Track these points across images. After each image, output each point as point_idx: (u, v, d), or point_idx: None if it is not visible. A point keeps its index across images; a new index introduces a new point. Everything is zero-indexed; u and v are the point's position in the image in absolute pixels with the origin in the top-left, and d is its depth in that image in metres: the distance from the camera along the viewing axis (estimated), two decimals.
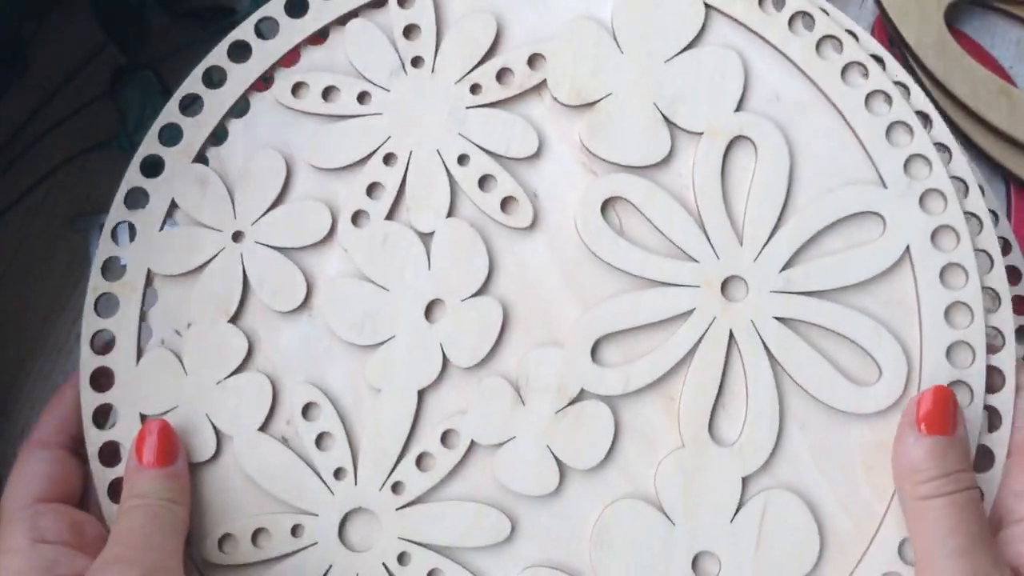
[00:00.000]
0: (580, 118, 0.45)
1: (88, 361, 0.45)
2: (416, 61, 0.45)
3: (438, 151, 0.45)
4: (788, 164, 0.43)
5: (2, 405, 0.56)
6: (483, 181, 0.45)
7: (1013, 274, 0.57)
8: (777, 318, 0.42)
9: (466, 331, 0.44)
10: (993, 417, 0.42)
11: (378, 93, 0.45)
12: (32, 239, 0.58)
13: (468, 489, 0.43)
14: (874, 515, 0.42)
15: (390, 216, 0.45)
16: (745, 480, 0.42)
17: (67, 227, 0.57)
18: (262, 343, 0.45)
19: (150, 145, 0.46)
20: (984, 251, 0.43)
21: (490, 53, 0.45)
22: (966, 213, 0.43)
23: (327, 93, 0.46)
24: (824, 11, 0.45)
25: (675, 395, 0.43)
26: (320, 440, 0.44)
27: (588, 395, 0.43)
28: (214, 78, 0.46)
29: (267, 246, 0.45)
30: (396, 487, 0.43)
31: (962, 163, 0.44)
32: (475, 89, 0.45)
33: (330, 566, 0.43)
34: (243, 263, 0.45)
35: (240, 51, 0.46)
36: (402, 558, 0.43)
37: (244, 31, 0.46)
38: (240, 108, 0.46)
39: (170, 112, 0.46)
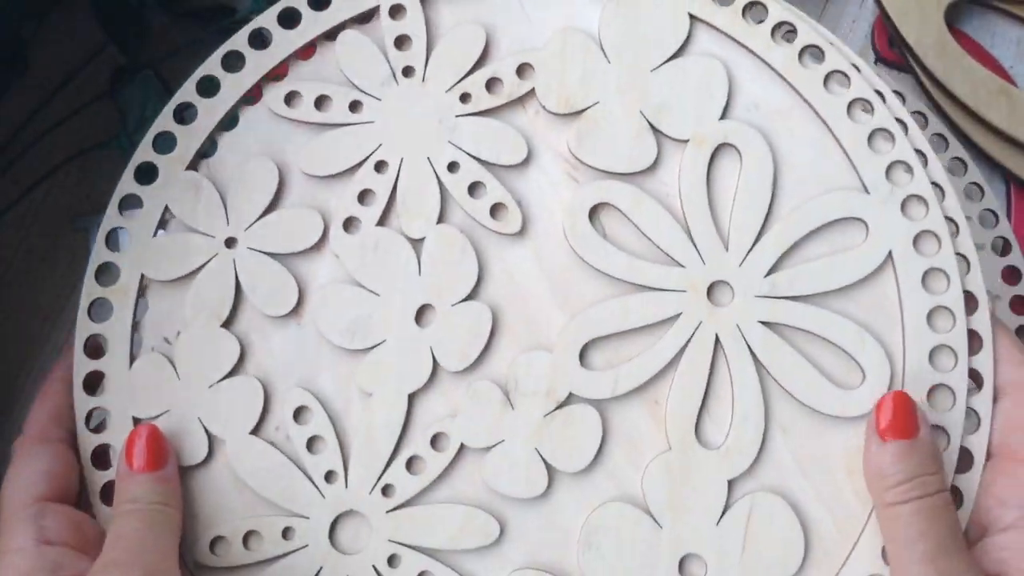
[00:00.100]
0: (568, 126, 0.45)
1: (81, 365, 0.45)
2: (407, 71, 0.46)
3: (428, 159, 0.45)
4: (772, 171, 0.44)
5: (2, 405, 0.56)
6: (473, 188, 0.45)
7: (1013, 274, 0.58)
8: (762, 322, 0.43)
9: (456, 336, 0.44)
10: (972, 418, 0.43)
11: (370, 102, 0.46)
12: (32, 239, 0.58)
13: (457, 492, 0.44)
14: (857, 518, 0.42)
15: (381, 222, 0.45)
16: (731, 483, 0.43)
17: (67, 227, 0.58)
18: (254, 347, 0.45)
19: (144, 152, 0.46)
20: (961, 255, 0.44)
21: (480, 63, 0.46)
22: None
23: (319, 102, 0.46)
24: (806, 22, 0.45)
25: (662, 399, 0.44)
26: (311, 443, 0.44)
27: (576, 399, 0.44)
28: (208, 87, 0.47)
29: (260, 252, 0.45)
30: (386, 490, 0.44)
31: (938, 169, 0.45)
32: (465, 98, 0.46)
33: (320, 568, 0.43)
34: (235, 268, 0.45)
35: (233, 61, 0.47)
36: (392, 560, 0.43)
37: (238, 42, 0.47)
38: (233, 118, 0.47)
39: (164, 120, 0.46)
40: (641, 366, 0.43)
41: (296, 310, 0.45)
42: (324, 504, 0.44)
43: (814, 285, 0.43)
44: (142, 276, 0.46)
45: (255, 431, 0.44)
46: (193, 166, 0.46)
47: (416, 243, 0.45)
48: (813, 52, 0.45)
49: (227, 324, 0.45)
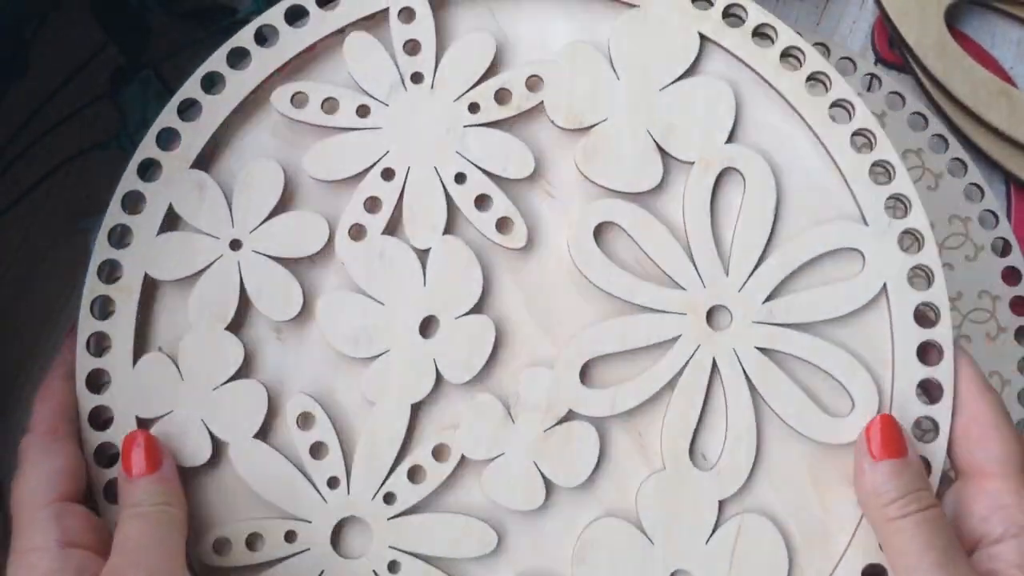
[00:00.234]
0: (576, 142, 0.46)
1: (84, 363, 0.45)
2: (416, 77, 0.46)
3: (436, 168, 0.46)
4: (775, 197, 0.45)
5: (2, 405, 0.56)
6: (480, 201, 0.46)
7: (1013, 274, 0.59)
8: (759, 348, 0.44)
9: (460, 348, 0.45)
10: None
11: (377, 107, 0.46)
12: (32, 239, 0.58)
13: (457, 502, 0.45)
14: (840, 542, 0.44)
15: (387, 231, 0.46)
16: (722, 503, 0.44)
17: (67, 227, 0.58)
18: (258, 352, 0.46)
19: (147, 149, 0.46)
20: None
21: (489, 72, 0.46)
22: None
23: (326, 105, 0.46)
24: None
25: (658, 419, 0.45)
26: (315, 449, 0.45)
27: (576, 416, 0.45)
28: (213, 84, 0.46)
29: (265, 255, 0.45)
30: (388, 497, 0.45)
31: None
32: (473, 108, 0.46)
33: (322, 571, 0.44)
34: (240, 271, 0.45)
35: (239, 58, 0.46)
36: (392, 566, 0.45)
37: (243, 38, 0.46)
38: (238, 116, 0.47)
39: (168, 116, 0.46)
40: (640, 386, 0.45)
41: (301, 316, 0.46)
42: (326, 509, 0.45)
43: (810, 314, 0.45)
44: (145, 275, 0.46)
45: (259, 435, 0.45)
46: (197, 164, 0.46)
47: (422, 253, 0.45)
48: (820, 79, 0.46)
49: (231, 327, 0.45)
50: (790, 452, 0.45)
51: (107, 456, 0.45)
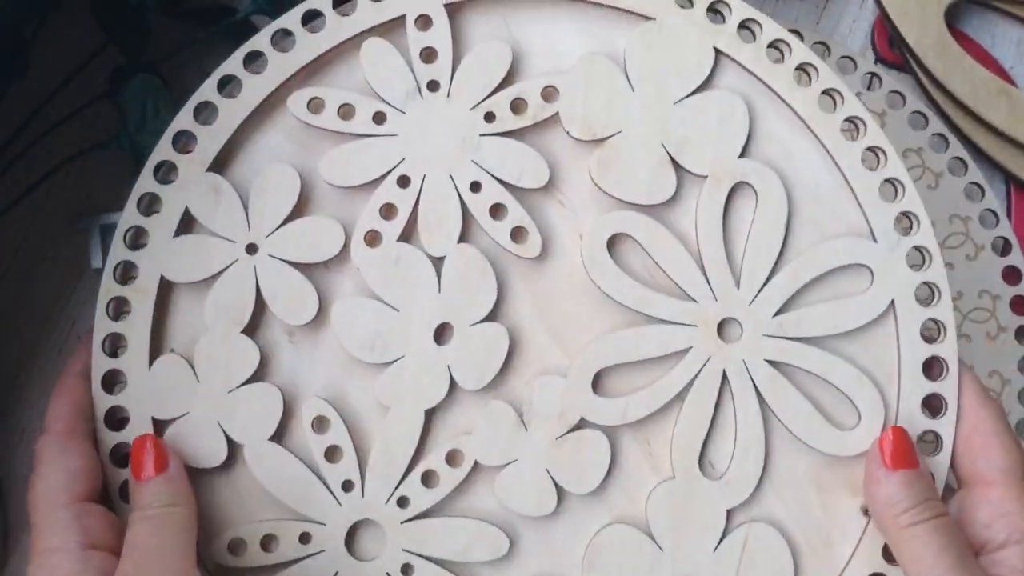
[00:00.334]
0: (591, 153, 0.46)
1: (100, 364, 0.46)
2: (432, 85, 0.46)
3: (451, 177, 0.46)
4: (786, 212, 0.46)
5: (2, 405, 0.56)
6: (494, 210, 0.46)
7: (1013, 274, 0.60)
8: (768, 361, 0.45)
9: (473, 355, 0.46)
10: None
11: (394, 114, 0.46)
12: (32, 239, 0.58)
13: (470, 506, 0.46)
14: (845, 551, 0.45)
15: (403, 238, 0.46)
16: (730, 512, 0.45)
17: (67, 227, 0.58)
18: (274, 355, 0.46)
19: (163, 151, 0.46)
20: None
21: (505, 82, 0.46)
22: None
23: (343, 111, 0.46)
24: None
25: (669, 428, 0.46)
26: (330, 453, 0.46)
27: (587, 424, 0.46)
28: (229, 87, 0.47)
29: (281, 260, 0.46)
30: (402, 501, 0.45)
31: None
32: (489, 117, 0.46)
33: (336, 573, 0.45)
34: (256, 276, 0.46)
35: (255, 61, 0.47)
36: (406, 569, 0.45)
37: (260, 42, 0.46)
38: (252, 118, 0.47)
39: (184, 119, 0.46)
40: (650, 396, 0.45)
41: (316, 320, 0.46)
42: (341, 512, 0.45)
43: (819, 328, 0.45)
44: (161, 277, 0.46)
45: (274, 438, 0.46)
46: (213, 168, 0.46)
47: (437, 261, 0.46)
48: (833, 96, 0.46)
49: (247, 330, 0.46)
50: (797, 463, 0.46)
51: (122, 456, 0.46)
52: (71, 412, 0.45)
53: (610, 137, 0.46)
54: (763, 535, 0.45)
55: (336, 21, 0.46)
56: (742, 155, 0.46)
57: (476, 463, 0.46)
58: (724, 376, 0.45)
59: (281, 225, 0.46)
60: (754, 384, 0.45)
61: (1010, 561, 0.43)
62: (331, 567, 0.45)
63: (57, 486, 0.43)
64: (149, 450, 0.44)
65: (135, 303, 0.46)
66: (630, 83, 0.46)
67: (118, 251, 0.46)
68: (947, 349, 0.45)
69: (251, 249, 0.46)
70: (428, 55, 0.46)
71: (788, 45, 0.46)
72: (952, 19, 0.62)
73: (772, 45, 0.46)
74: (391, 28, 0.47)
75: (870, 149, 0.46)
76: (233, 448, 0.46)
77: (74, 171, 0.58)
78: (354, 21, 0.46)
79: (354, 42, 0.47)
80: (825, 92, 0.46)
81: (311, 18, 0.47)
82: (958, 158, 0.61)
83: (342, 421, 0.46)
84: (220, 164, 0.46)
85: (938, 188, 0.61)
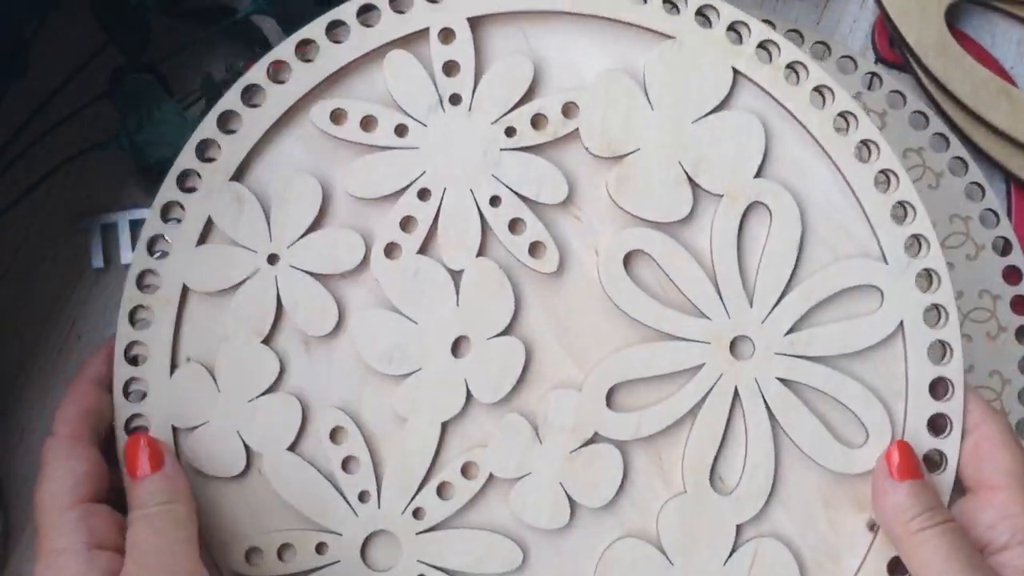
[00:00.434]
0: (609, 170, 0.47)
1: (121, 371, 0.46)
2: (454, 98, 0.47)
3: (471, 191, 0.47)
4: (800, 232, 0.47)
5: (2, 405, 0.56)
6: (513, 224, 0.47)
7: (1013, 273, 0.61)
8: (779, 379, 0.46)
9: (490, 369, 0.46)
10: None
11: (415, 127, 0.47)
12: (32, 239, 0.58)
13: (484, 518, 0.47)
14: (851, 566, 0.46)
15: (422, 250, 0.47)
16: (739, 527, 0.46)
17: (67, 227, 0.58)
18: (293, 365, 0.47)
19: (187, 159, 0.46)
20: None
21: (526, 97, 0.47)
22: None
23: (365, 122, 0.47)
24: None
25: (680, 444, 0.47)
26: (346, 463, 0.46)
27: (601, 438, 0.46)
28: (253, 97, 0.47)
29: (301, 271, 0.46)
30: (417, 512, 0.46)
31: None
32: (510, 132, 0.47)
33: None
34: (277, 286, 0.46)
35: (279, 71, 0.47)
36: None
37: (283, 52, 0.47)
38: (274, 128, 0.47)
39: (208, 128, 0.47)
40: (663, 412, 0.46)
41: (336, 331, 0.47)
42: (357, 522, 0.46)
43: (830, 347, 0.46)
44: (184, 286, 0.46)
45: (292, 447, 0.46)
46: (236, 177, 0.47)
47: (455, 274, 0.47)
48: (848, 119, 0.47)
49: (267, 340, 0.46)
50: (806, 479, 0.47)
51: None
52: (78, 416, 0.46)
53: (628, 154, 0.47)
54: (772, 550, 0.46)
55: (360, 32, 0.47)
56: (758, 175, 0.47)
57: (491, 475, 0.46)
58: (736, 393, 0.46)
59: (302, 236, 0.46)
60: (765, 402, 0.46)
61: (1014, 562, 0.44)
62: None
63: (62, 488, 0.44)
64: (144, 448, 0.45)
65: (157, 312, 0.46)
66: (649, 101, 0.47)
67: (140, 260, 0.46)
68: (953, 370, 0.46)
69: (272, 259, 0.46)
70: (450, 68, 0.47)
71: (805, 67, 0.47)
72: (952, 19, 0.61)
73: (789, 66, 0.47)
74: (413, 40, 0.47)
75: (883, 172, 0.47)
76: (250, 457, 0.46)
77: (74, 171, 0.58)
78: (377, 32, 0.47)
79: (376, 53, 0.47)
80: (840, 114, 0.47)
81: (335, 27, 0.47)
82: (958, 158, 0.61)
83: (359, 432, 0.46)
84: (239, 171, 0.47)
85: (939, 188, 0.61)
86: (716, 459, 0.46)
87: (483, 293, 0.47)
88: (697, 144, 0.47)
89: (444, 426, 0.46)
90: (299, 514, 0.46)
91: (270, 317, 0.46)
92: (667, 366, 0.46)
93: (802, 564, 0.46)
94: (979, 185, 0.61)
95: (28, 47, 0.55)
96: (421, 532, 0.46)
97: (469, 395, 0.46)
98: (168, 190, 0.46)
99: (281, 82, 0.47)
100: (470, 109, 0.47)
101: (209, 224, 0.47)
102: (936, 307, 0.47)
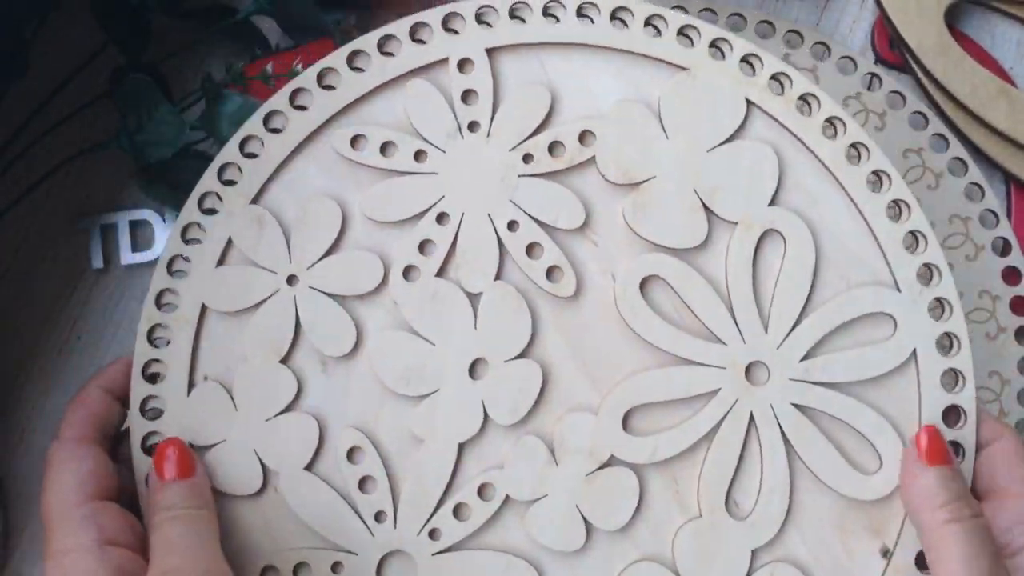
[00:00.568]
0: (625, 196, 0.47)
1: (139, 390, 0.46)
2: (472, 126, 0.48)
3: (489, 215, 0.47)
4: (814, 260, 0.47)
5: (2, 405, 0.56)
6: (530, 248, 0.47)
7: (1013, 274, 0.61)
8: (794, 405, 0.47)
9: (507, 391, 0.47)
10: None
11: (434, 153, 0.47)
12: (32, 239, 0.58)
13: (500, 540, 0.47)
14: None
15: (440, 274, 0.47)
16: (754, 552, 0.46)
17: (67, 227, 0.58)
18: (311, 385, 0.47)
19: (208, 182, 0.47)
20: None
21: (543, 125, 0.48)
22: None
23: (385, 148, 0.47)
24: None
25: (695, 467, 0.47)
26: (363, 483, 0.46)
27: (617, 461, 0.47)
28: (274, 123, 0.48)
29: (320, 292, 0.47)
30: (433, 533, 0.46)
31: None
32: (527, 159, 0.48)
33: None
34: (296, 306, 0.47)
35: (301, 98, 0.48)
36: None
37: (307, 79, 0.48)
38: (296, 154, 0.48)
39: (230, 152, 0.47)
40: (679, 436, 0.47)
41: (354, 352, 0.47)
42: (373, 542, 0.46)
43: (844, 374, 0.47)
44: (203, 305, 0.47)
45: (309, 467, 0.46)
46: (255, 199, 0.47)
47: (473, 297, 0.47)
48: (860, 149, 0.48)
49: (285, 360, 0.47)
50: (820, 505, 0.47)
51: None
52: (84, 420, 0.46)
53: (644, 182, 0.47)
54: (787, 575, 0.46)
55: (380, 61, 0.48)
56: (772, 203, 0.47)
57: (507, 497, 0.46)
58: (751, 418, 0.47)
59: (322, 258, 0.47)
60: (780, 427, 0.46)
61: None
62: None
63: (69, 488, 0.44)
64: (177, 453, 0.45)
65: (176, 331, 0.47)
66: (664, 131, 0.48)
67: (160, 279, 0.47)
68: (966, 398, 0.47)
69: (291, 280, 0.47)
70: (469, 97, 0.48)
71: (816, 98, 0.48)
72: (952, 19, 0.62)
73: (802, 98, 0.48)
74: (433, 69, 0.48)
75: (894, 202, 0.48)
76: (267, 476, 0.46)
77: (74, 171, 0.59)
78: (398, 62, 0.48)
79: (396, 81, 0.48)
80: (852, 145, 0.48)
81: (355, 56, 0.48)
82: (958, 158, 0.61)
83: (376, 452, 0.46)
84: (258, 194, 0.47)
85: (938, 188, 0.61)
86: (732, 484, 0.47)
87: (501, 316, 0.47)
88: (712, 172, 0.47)
89: (461, 447, 0.47)
90: (315, 533, 0.46)
91: (288, 337, 0.47)
92: (683, 390, 0.47)
93: None
94: (978, 186, 0.61)
95: (28, 47, 0.56)
96: (437, 553, 0.46)
97: (486, 417, 0.47)
98: (189, 211, 0.47)
99: (302, 108, 0.48)
100: (488, 136, 0.48)
101: (229, 245, 0.47)
102: (948, 335, 0.47)
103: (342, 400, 0.47)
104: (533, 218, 0.47)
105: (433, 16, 0.48)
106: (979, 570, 0.43)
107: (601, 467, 0.47)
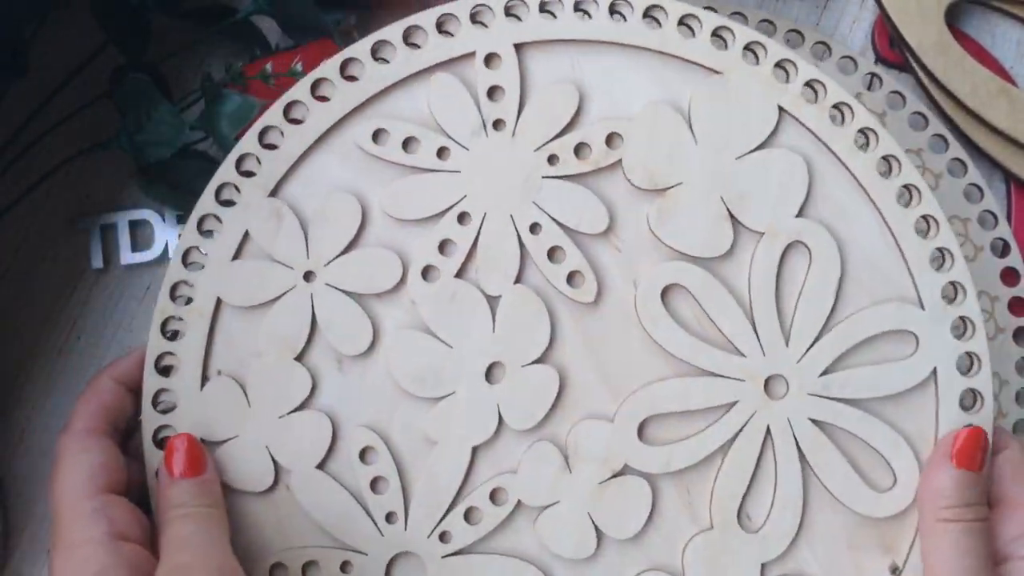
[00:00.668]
0: (650, 202, 0.47)
1: (152, 383, 0.46)
2: (498, 124, 0.47)
3: (512, 217, 0.46)
4: (839, 274, 0.47)
5: (2, 405, 0.56)
6: (552, 252, 0.47)
7: (1012, 275, 0.60)
8: (812, 419, 0.46)
9: (523, 396, 0.46)
10: None
11: (457, 150, 0.47)
12: (32, 239, 0.58)
13: (511, 545, 0.47)
14: None
15: (459, 274, 0.47)
16: (764, 565, 0.46)
17: (67, 227, 0.57)
18: (325, 383, 0.47)
19: (226, 173, 0.46)
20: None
21: (570, 125, 0.47)
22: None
23: (407, 143, 0.47)
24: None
25: (709, 479, 0.47)
26: (375, 483, 0.46)
27: (631, 470, 0.46)
28: (295, 113, 0.47)
29: (337, 289, 0.46)
30: (443, 536, 0.46)
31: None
32: (552, 160, 0.47)
33: None
34: (313, 303, 0.46)
35: (323, 88, 0.47)
36: None
37: (327, 70, 0.47)
38: (316, 146, 0.47)
39: (249, 143, 0.46)
40: (694, 447, 0.46)
41: (370, 351, 0.46)
42: (383, 543, 0.46)
43: (863, 390, 0.46)
44: (218, 299, 0.46)
45: (321, 465, 0.46)
46: (273, 192, 0.46)
47: (492, 299, 0.46)
48: (891, 162, 0.47)
49: (300, 357, 0.46)
50: (832, 521, 0.47)
51: None
52: (94, 412, 0.46)
53: (671, 188, 0.47)
54: None
55: (405, 53, 0.47)
56: (799, 214, 0.47)
57: (519, 502, 0.46)
58: (768, 432, 0.46)
59: (340, 254, 0.46)
60: (796, 441, 0.46)
61: None
62: None
63: (79, 479, 0.43)
64: (187, 449, 0.45)
65: (190, 324, 0.46)
66: (694, 136, 0.47)
67: (175, 271, 0.46)
68: (983, 418, 0.46)
69: (308, 276, 0.46)
70: (495, 93, 0.47)
71: (851, 108, 0.47)
72: (952, 19, 0.61)
73: (835, 107, 0.47)
74: (459, 63, 0.47)
75: (923, 217, 0.47)
76: (278, 473, 0.46)
77: (74, 171, 0.58)
78: (423, 54, 0.47)
79: (421, 74, 0.47)
80: (884, 158, 0.47)
81: (379, 47, 0.47)
82: (958, 159, 0.60)
83: (389, 452, 0.46)
84: (276, 186, 0.47)
85: (938, 189, 0.60)
86: (745, 497, 0.46)
87: (519, 320, 0.46)
88: (740, 180, 0.47)
89: (474, 451, 0.46)
90: (325, 532, 0.46)
91: (304, 334, 0.46)
92: (700, 401, 0.46)
93: None
94: (978, 187, 0.60)
95: (28, 47, 0.55)
96: (447, 556, 0.46)
97: (501, 421, 0.46)
98: (206, 202, 0.46)
99: (324, 99, 0.47)
100: (513, 135, 0.47)
101: (246, 238, 0.46)
102: (970, 355, 0.47)
103: (356, 399, 0.47)
104: (556, 221, 0.47)
105: (461, 7, 0.47)
106: (963, 570, 0.43)
107: (614, 475, 0.46)
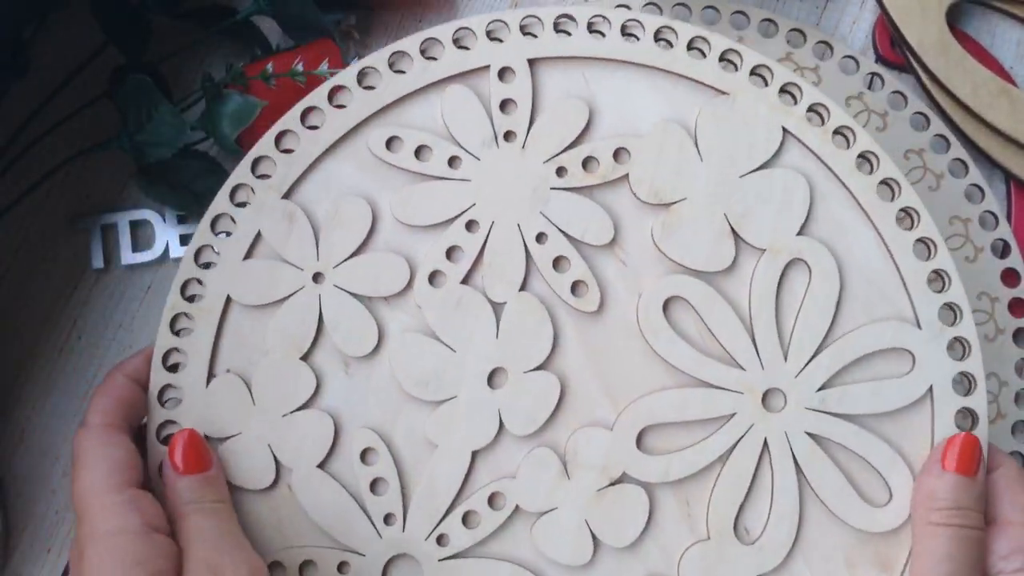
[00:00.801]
0: (655, 216, 0.48)
1: (158, 377, 0.47)
2: (508, 135, 0.48)
3: (519, 226, 0.47)
4: (838, 291, 0.47)
5: (2, 405, 0.57)
6: (557, 261, 0.47)
7: (1012, 276, 0.61)
8: (808, 433, 0.47)
9: (524, 402, 0.47)
10: None
11: (468, 160, 0.48)
12: (32, 239, 0.58)
13: (507, 550, 0.47)
14: None
15: (466, 280, 0.47)
16: None
17: (67, 227, 0.58)
18: (330, 384, 0.47)
19: (241, 174, 0.47)
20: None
21: (579, 139, 0.48)
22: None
23: (419, 151, 0.48)
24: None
25: (707, 489, 0.47)
26: (375, 484, 0.47)
27: (629, 478, 0.47)
28: (312, 119, 0.48)
29: (345, 291, 0.47)
30: (441, 539, 0.47)
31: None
32: (561, 172, 0.48)
33: None
34: (320, 304, 0.47)
35: (340, 96, 0.48)
36: None
37: (346, 77, 0.48)
38: (330, 151, 0.48)
39: (265, 145, 0.47)
40: (692, 457, 0.47)
41: (375, 353, 0.47)
42: (380, 544, 0.46)
43: (860, 406, 0.47)
44: (228, 297, 0.47)
45: (322, 465, 0.47)
46: (286, 194, 0.47)
47: (497, 306, 0.47)
48: (891, 186, 0.48)
49: (306, 357, 0.47)
50: (828, 534, 0.47)
51: None
52: (111, 408, 0.46)
53: (675, 203, 0.48)
54: None
55: (422, 65, 0.48)
56: (800, 232, 0.48)
57: (517, 507, 0.47)
58: (765, 444, 0.47)
59: (349, 257, 0.47)
60: (793, 455, 0.47)
61: None
62: None
63: (105, 474, 0.44)
64: (193, 445, 0.45)
65: (199, 321, 0.47)
66: (699, 153, 0.48)
67: (187, 268, 0.47)
68: (979, 436, 0.47)
69: (317, 278, 0.47)
70: (507, 106, 0.48)
71: (853, 132, 0.48)
72: (953, 19, 0.61)
73: (838, 131, 0.48)
74: (473, 75, 0.48)
75: (922, 240, 0.48)
76: (280, 472, 0.47)
77: (74, 171, 0.59)
78: (439, 66, 0.48)
79: (436, 85, 0.48)
80: (884, 182, 0.48)
81: (397, 59, 0.48)
82: (959, 159, 0.61)
83: (389, 454, 0.47)
84: (289, 188, 0.48)
85: (939, 189, 0.60)
86: (741, 508, 0.47)
87: (523, 327, 0.47)
88: (743, 198, 0.48)
89: (474, 455, 0.47)
90: (323, 532, 0.46)
91: (311, 334, 0.47)
92: (699, 412, 0.47)
93: None
94: (979, 187, 0.60)
95: (28, 47, 0.56)
96: (444, 559, 0.46)
97: (501, 426, 0.47)
98: (220, 202, 0.47)
99: (341, 107, 0.48)
100: (523, 147, 0.48)
101: (258, 238, 0.47)
102: (965, 375, 0.47)
103: (360, 400, 0.47)
104: (562, 231, 0.48)
105: (478, 23, 0.48)
106: (943, 572, 0.44)
107: (612, 483, 0.47)
